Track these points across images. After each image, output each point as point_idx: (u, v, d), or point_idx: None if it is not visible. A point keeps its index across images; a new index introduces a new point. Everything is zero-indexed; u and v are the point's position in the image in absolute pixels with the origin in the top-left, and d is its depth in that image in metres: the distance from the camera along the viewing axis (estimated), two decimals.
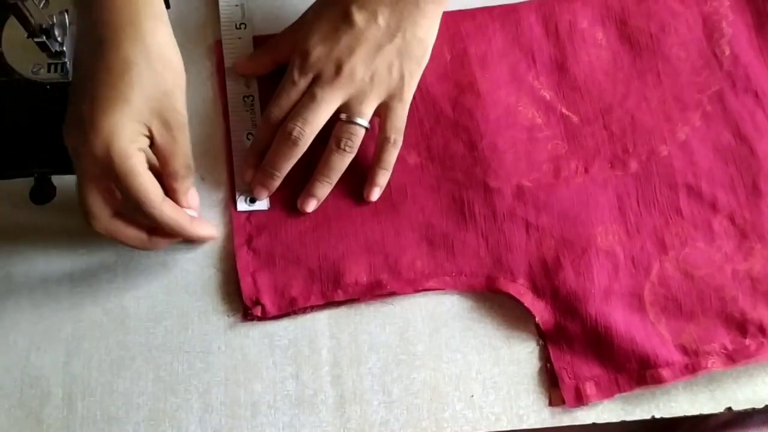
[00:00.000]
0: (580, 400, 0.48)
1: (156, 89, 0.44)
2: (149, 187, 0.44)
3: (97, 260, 0.51)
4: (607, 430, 0.49)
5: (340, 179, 0.52)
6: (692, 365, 0.48)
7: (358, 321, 0.50)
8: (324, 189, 0.52)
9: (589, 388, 0.48)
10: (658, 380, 0.47)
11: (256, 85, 0.56)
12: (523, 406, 0.48)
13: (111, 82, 0.43)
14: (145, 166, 0.44)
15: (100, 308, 0.50)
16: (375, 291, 0.50)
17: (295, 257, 0.51)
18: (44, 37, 0.53)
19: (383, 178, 0.53)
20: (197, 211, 0.50)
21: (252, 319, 0.50)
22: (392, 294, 0.51)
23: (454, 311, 0.51)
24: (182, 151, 0.46)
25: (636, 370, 0.48)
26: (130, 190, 0.43)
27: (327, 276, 0.51)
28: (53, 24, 0.54)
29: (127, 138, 0.42)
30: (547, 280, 0.51)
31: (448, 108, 0.55)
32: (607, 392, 0.48)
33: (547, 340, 0.50)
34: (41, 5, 0.57)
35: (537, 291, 0.50)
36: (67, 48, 0.56)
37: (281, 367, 0.49)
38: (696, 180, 0.53)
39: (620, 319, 0.49)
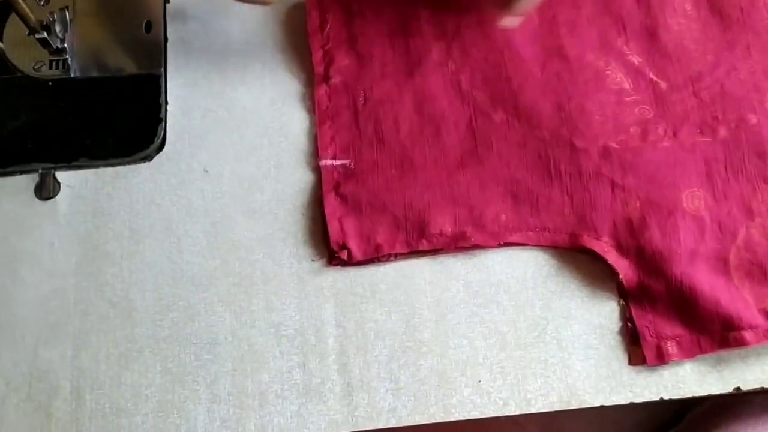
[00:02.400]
0: (662, 358, 0.48)
1: None
2: None
3: (102, 254, 0.52)
4: (613, 414, 0.49)
5: (428, 131, 0.54)
6: None
7: (364, 309, 0.50)
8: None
9: (671, 347, 0.48)
10: (741, 343, 0.47)
11: None
12: (530, 390, 0.48)
13: None
14: None
15: (106, 302, 0.51)
16: (459, 242, 0.51)
17: (382, 204, 0.52)
18: (45, 34, 0.53)
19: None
20: None
21: (337, 264, 0.51)
22: (476, 246, 0.51)
23: (460, 297, 0.51)
24: None
25: (719, 332, 0.48)
26: None
27: (412, 225, 0.51)
28: (54, 20, 0.54)
29: None
30: (632, 239, 0.51)
31: (536, 69, 0.56)
32: (689, 352, 0.48)
33: (629, 298, 0.50)
34: (42, 2, 0.57)
35: (621, 249, 0.51)
36: (68, 44, 0.56)
37: (288, 357, 0.49)
38: None
39: (705, 281, 0.49)
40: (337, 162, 0.54)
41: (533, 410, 0.48)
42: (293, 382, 0.49)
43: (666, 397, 0.48)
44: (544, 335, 0.50)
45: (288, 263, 0.52)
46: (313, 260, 0.52)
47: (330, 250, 0.51)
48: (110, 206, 0.53)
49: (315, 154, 0.54)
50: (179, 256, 0.52)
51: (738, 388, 0.48)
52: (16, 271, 0.51)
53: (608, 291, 0.51)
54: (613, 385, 0.48)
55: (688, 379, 0.48)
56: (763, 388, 0.48)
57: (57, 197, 0.53)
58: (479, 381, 0.49)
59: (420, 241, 0.51)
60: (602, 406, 0.48)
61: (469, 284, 0.51)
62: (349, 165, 0.53)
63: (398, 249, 0.51)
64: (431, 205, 0.52)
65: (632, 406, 0.49)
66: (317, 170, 0.54)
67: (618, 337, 0.50)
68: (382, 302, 0.51)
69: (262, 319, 0.50)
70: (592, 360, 0.49)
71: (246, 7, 0.59)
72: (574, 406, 0.48)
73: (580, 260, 0.51)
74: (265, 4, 0.51)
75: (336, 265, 0.51)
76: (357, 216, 0.52)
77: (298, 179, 0.54)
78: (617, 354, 0.49)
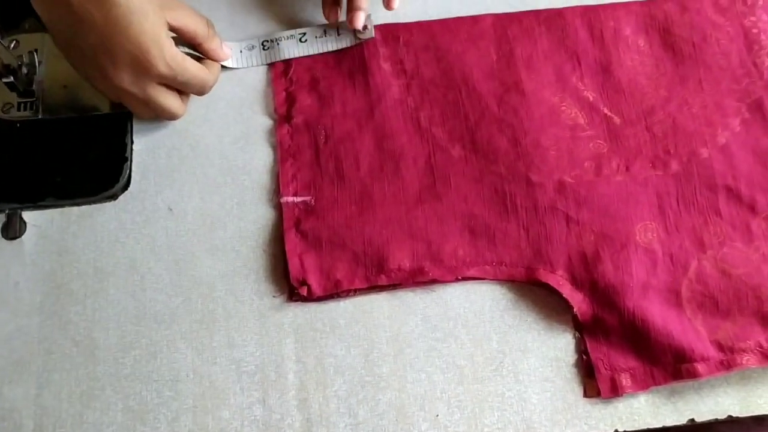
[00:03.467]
0: (615, 390, 0.49)
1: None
2: (199, 72, 0.54)
3: (66, 293, 0.52)
4: None
5: (387, 167, 0.55)
6: (727, 362, 0.49)
7: (324, 344, 0.51)
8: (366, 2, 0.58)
9: (625, 380, 0.49)
10: (693, 374, 0.48)
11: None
12: (487, 423, 0.49)
13: (122, 14, 0.49)
14: (186, 56, 0.53)
15: (69, 340, 0.51)
16: (417, 277, 0.52)
17: (341, 241, 0.53)
18: (11, 78, 0.54)
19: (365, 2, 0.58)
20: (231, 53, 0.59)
21: (297, 300, 0.52)
22: (434, 281, 0.52)
23: (418, 332, 0.51)
24: (199, 17, 0.55)
25: (671, 364, 0.49)
26: (191, 81, 0.54)
27: (371, 261, 0.52)
28: (21, 64, 0.55)
29: (168, 43, 0.51)
30: (586, 273, 0.52)
31: (493, 104, 0.57)
32: (643, 384, 0.49)
33: (584, 331, 0.51)
34: (11, 46, 0.59)
35: (576, 283, 0.52)
36: (36, 86, 0.57)
37: (248, 393, 0.50)
38: (735, 182, 0.55)
39: (657, 313, 0.50)
40: (298, 199, 0.55)
41: None
42: (253, 418, 0.49)
43: (621, 429, 0.49)
44: (501, 369, 0.50)
45: (249, 300, 0.52)
46: (274, 296, 0.52)
47: (290, 286, 0.52)
48: (75, 245, 0.54)
49: (277, 191, 0.55)
50: (142, 294, 0.53)
51: (692, 420, 0.49)
52: None
53: (564, 324, 0.51)
54: (568, 417, 0.49)
55: (643, 411, 0.49)
56: (717, 419, 0.49)
57: (23, 237, 0.54)
58: (437, 415, 0.49)
59: (379, 276, 0.52)
60: None
61: (427, 318, 0.52)
62: (310, 202, 0.54)
63: (357, 284, 0.52)
64: (390, 241, 0.53)
65: None
66: (279, 207, 0.55)
67: (573, 370, 0.50)
68: (342, 337, 0.51)
69: (223, 356, 0.51)
70: (548, 393, 0.50)
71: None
72: None
73: (537, 294, 0.52)
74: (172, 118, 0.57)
75: (296, 301, 0.52)
76: (317, 252, 0.53)
77: (261, 216, 0.55)
78: (573, 387, 0.50)
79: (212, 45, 0.56)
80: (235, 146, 0.57)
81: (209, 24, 0.56)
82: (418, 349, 0.51)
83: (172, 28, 0.53)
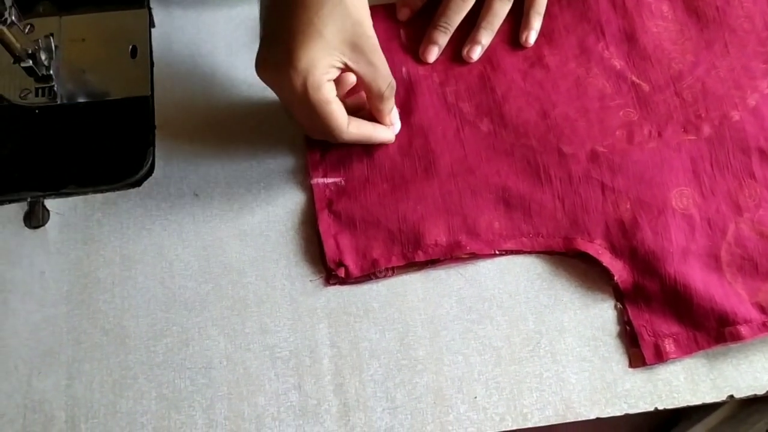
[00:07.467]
0: (660, 357, 0.49)
1: (348, 20, 0.46)
2: (337, 114, 0.48)
3: (93, 281, 0.51)
4: (609, 424, 0.49)
5: (416, 143, 0.54)
6: None
7: (358, 328, 0.50)
8: (487, 37, 0.58)
9: (668, 345, 0.49)
10: (737, 337, 0.48)
11: None
12: (526, 404, 0.48)
13: (307, 18, 0.45)
14: (334, 94, 0.48)
15: (99, 329, 0.50)
16: (455, 251, 0.51)
17: (375, 220, 0.52)
18: (30, 62, 0.53)
19: (538, 22, 0.58)
20: (398, 126, 0.55)
21: (335, 283, 0.51)
22: (472, 255, 0.51)
23: (453, 313, 0.51)
24: (381, 73, 0.50)
25: (715, 328, 0.49)
26: (321, 118, 0.48)
27: (407, 238, 0.52)
28: (38, 48, 0.54)
29: (321, 71, 0.46)
30: (624, 240, 0.51)
31: (518, 78, 0.57)
32: (687, 349, 0.49)
33: (625, 299, 0.51)
34: (26, 30, 0.57)
35: (615, 251, 0.51)
36: (54, 71, 0.56)
37: (283, 379, 0.49)
38: None
39: (698, 278, 0.50)
40: (329, 180, 0.54)
41: (530, 425, 0.48)
42: (289, 404, 0.49)
43: (660, 407, 0.48)
44: (538, 349, 0.50)
45: (281, 285, 0.52)
46: (311, 280, 0.52)
47: (327, 269, 0.51)
48: (100, 233, 0.53)
49: (304, 173, 0.54)
50: (171, 281, 0.52)
51: (731, 396, 0.49)
52: (7, 301, 0.51)
53: (600, 302, 0.51)
54: (608, 396, 0.49)
55: (682, 388, 0.49)
56: (756, 395, 0.49)
57: (46, 225, 0.53)
58: (475, 397, 0.49)
59: (416, 252, 0.51)
60: (598, 418, 0.48)
61: (461, 300, 0.51)
62: (341, 183, 0.54)
63: (395, 262, 0.51)
64: (425, 217, 0.52)
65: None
66: (306, 190, 0.54)
67: (611, 349, 0.50)
68: (376, 321, 0.51)
69: (256, 342, 0.50)
70: (586, 372, 0.49)
71: (231, 29, 0.59)
72: (570, 419, 0.48)
73: (571, 273, 0.52)
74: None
75: (334, 283, 0.51)
76: (352, 232, 0.52)
77: (288, 200, 0.54)
78: (611, 366, 0.49)
79: (382, 105, 0.51)
80: (259, 129, 0.56)
81: (391, 86, 0.51)
82: (453, 331, 0.50)
83: (346, 69, 0.48)
